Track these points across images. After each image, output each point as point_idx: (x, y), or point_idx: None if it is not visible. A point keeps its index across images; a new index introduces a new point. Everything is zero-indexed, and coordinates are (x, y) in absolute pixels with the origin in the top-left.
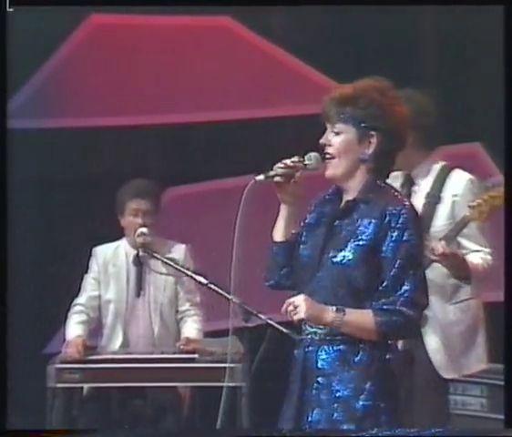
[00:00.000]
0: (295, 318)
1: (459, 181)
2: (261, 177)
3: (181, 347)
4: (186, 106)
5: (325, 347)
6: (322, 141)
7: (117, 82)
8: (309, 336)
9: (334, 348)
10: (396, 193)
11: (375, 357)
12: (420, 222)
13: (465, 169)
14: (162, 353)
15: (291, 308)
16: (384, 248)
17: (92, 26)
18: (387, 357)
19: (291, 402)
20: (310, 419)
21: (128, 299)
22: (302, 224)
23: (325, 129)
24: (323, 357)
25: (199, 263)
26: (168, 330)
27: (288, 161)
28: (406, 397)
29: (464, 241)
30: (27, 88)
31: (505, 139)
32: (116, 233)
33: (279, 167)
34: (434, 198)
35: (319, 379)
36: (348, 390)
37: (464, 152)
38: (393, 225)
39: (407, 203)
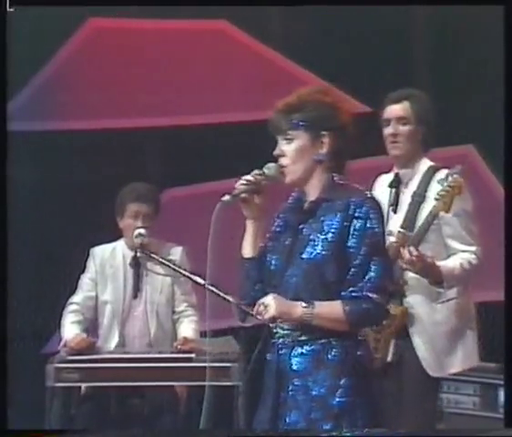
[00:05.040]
0: (266, 316)
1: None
2: (227, 197)
3: (179, 347)
4: (183, 109)
5: (298, 348)
6: (275, 153)
7: (115, 85)
8: (281, 339)
9: (307, 348)
10: (356, 186)
11: (348, 353)
12: (382, 211)
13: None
14: (160, 353)
15: (261, 308)
16: (349, 238)
17: (90, 30)
18: (358, 353)
19: (265, 405)
20: (288, 420)
21: (124, 299)
22: (268, 235)
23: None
24: (297, 359)
25: (195, 265)
26: (164, 330)
27: (248, 176)
28: (396, 397)
29: (449, 241)
30: (27, 90)
31: (505, 140)
32: (114, 234)
33: (241, 184)
34: (419, 197)
35: (294, 380)
36: (324, 388)
37: (457, 154)
38: (356, 215)
39: (368, 194)
